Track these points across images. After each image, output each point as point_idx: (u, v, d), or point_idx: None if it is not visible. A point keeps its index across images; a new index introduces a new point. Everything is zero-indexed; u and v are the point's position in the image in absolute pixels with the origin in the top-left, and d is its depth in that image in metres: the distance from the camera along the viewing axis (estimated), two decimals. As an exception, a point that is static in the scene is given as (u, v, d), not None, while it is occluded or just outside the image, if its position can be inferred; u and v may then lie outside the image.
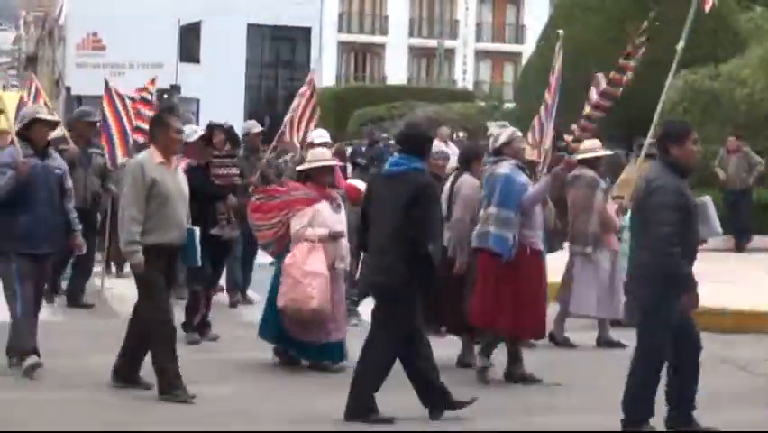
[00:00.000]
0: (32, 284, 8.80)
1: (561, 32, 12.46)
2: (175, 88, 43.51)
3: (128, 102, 13.36)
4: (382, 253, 7.74)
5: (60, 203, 9.00)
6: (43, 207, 8.80)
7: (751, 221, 18.91)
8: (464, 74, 57.66)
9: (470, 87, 54.42)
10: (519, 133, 9.79)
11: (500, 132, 9.88)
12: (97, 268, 12.99)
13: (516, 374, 9.08)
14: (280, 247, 9.53)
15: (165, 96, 39.44)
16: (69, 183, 9.24)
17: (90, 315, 11.84)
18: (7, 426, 7.33)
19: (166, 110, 13.23)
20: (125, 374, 8.42)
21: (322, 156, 9.71)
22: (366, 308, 11.06)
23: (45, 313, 11.98)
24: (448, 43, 54.22)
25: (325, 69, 57.47)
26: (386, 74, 58.16)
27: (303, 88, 12.93)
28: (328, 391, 8.37)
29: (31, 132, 8.97)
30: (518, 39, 58.41)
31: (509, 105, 39.28)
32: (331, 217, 9.36)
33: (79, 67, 54.47)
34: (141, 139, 12.45)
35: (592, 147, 11.24)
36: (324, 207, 9.34)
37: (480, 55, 59.18)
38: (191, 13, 52.84)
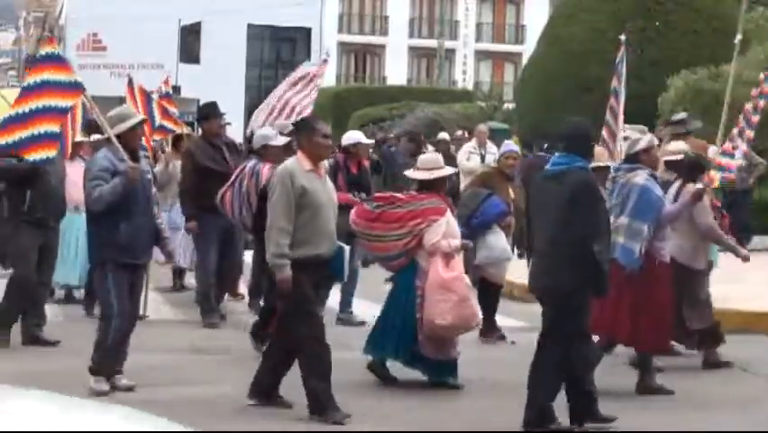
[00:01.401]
0: (128, 297, 8.41)
1: (623, 37, 12.41)
2: (175, 89, 43.52)
3: (154, 98, 13.33)
4: (547, 256, 7.58)
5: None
6: (142, 215, 8.41)
7: (750, 221, 18.92)
8: (464, 74, 57.67)
9: (471, 87, 54.42)
10: (656, 141, 9.44)
11: (639, 136, 9.22)
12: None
13: (642, 387, 8.73)
14: (408, 260, 8.88)
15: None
16: (154, 188, 8.98)
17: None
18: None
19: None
20: (266, 392, 8.05)
21: (437, 163, 9.17)
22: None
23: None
24: (448, 44, 54.23)
25: (326, 70, 57.47)
26: (386, 74, 58.16)
27: (313, 70, 13.02)
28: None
29: (125, 133, 8.48)
30: (518, 39, 58.40)
31: (509, 106, 39.30)
32: (456, 228, 9.00)
33: (80, 68, 54.41)
34: (158, 138, 12.38)
35: (679, 150, 10.64)
36: (450, 216, 8.94)
37: (481, 55, 59.18)
38: (191, 13, 52.88)
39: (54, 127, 8.78)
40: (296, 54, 58.52)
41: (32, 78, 8.87)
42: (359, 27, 59.33)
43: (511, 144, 11.63)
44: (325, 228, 7.79)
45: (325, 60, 15.61)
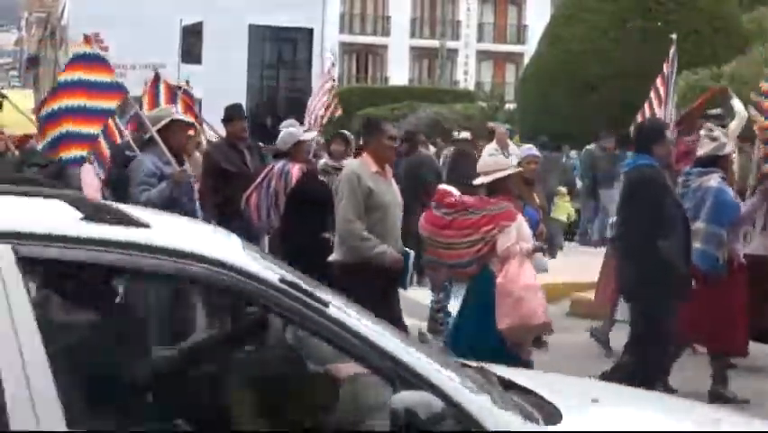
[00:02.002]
0: None
1: (674, 36, 12.48)
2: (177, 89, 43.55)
3: (179, 94, 13.29)
4: (620, 256, 7.63)
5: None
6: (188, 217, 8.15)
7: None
8: (466, 74, 57.66)
9: (472, 87, 54.43)
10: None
11: (725, 141, 8.96)
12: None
13: (714, 394, 8.63)
14: (480, 267, 8.57)
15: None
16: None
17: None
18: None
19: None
20: None
21: (497, 165, 8.77)
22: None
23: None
24: (450, 44, 54.20)
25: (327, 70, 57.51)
26: (388, 75, 58.16)
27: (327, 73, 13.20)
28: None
29: (168, 134, 8.25)
30: (520, 39, 58.38)
31: (511, 106, 39.29)
32: (528, 231, 8.77)
33: (81, 67, 54.56)
34: None
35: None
36: (521, 219, 8.68)
37: (482, 55, 59.17)
38: (193, 13, 52.87)
39: (90, 129, 8.60)
40: (297, 55, 58.55)
41: (67, 77, 8.67)
42: (360, 27, 59.32)
43: (532, 148, 11.31)
44: (393, 230, 7.67)
45: (333, 64, 15.92)
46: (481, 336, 8.39)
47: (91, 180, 11.01)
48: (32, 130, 15.64)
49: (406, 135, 15.07)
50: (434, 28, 57.38)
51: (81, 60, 8.64)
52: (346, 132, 11.90)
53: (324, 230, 9.17)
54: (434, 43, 54.32)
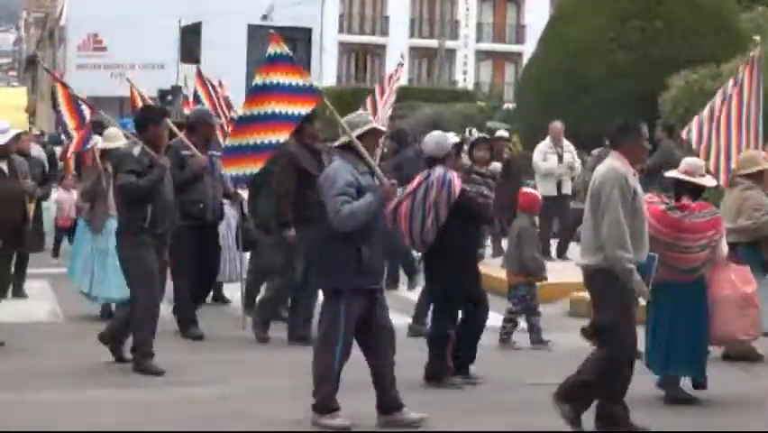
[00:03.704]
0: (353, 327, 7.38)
1: (757, 37, 12.04)
2: (177, 89, 43.48)
3: (219, 91, 13.23)
4: None
5: None
6: (379, 234, 7.53)
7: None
8: (465, 74, 57.64)
9: (471, 87, 54.41)
10: None
11: None
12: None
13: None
14: (706, 271, 8.41)
15: (168, 97, 39.43)
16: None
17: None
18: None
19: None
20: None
21: (702, 169, 8.66)
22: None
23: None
24: (449, 44, 54.18)
25: (326, 70, 57.48)
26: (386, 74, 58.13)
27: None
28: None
29: (363, 142, 7.52)
30: (519, 39, 58.36)
31: (510, 106, 39.29)
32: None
33: (80, 68, 54.49)
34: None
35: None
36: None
37: (481, 55, 59.16)
38: (192, 13, 52.82)
39: (277, 136, 8.03)
40: (296, 54, 58.47)
41: (263, 79, 8.04)
42: (359, 27, 59.29)
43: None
44: (645, 234, 7.40)
45: (401, 64, 15.82)
46: (699, 343, 8.31)
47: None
48: (25, 129, 15.55)
49: (391, 133, 14.88)
50: (433, 28, 57.37)
51: (278, 62, 8.02)
52: (487, 135, 11.21)
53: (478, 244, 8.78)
54: (433, 43, 54.30)
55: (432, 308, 9.12)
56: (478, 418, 7.92)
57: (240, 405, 8.07)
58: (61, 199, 16.34)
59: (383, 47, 58.83)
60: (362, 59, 59.52)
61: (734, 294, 8.50)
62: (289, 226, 10.29)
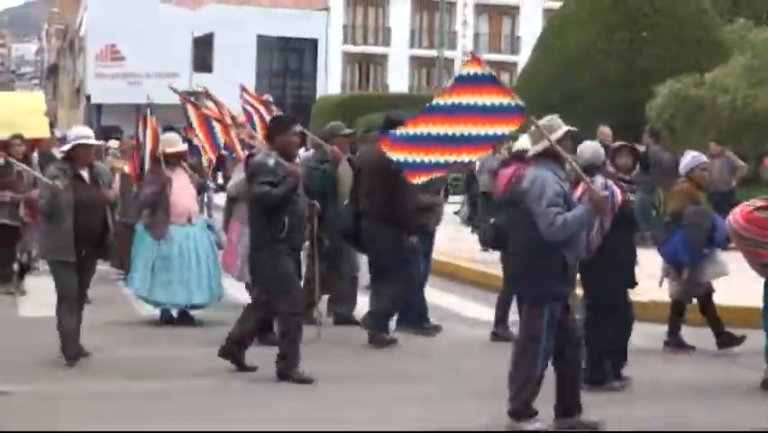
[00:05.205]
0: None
1: None
2: (193, 95, 43.49)
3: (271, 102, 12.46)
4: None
5: None
6: (580, 243, 7.28)
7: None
8: (462, 83, 57.62)
9: (468, 94, 54.34)
10: None
11: None
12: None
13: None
14: None
15: (192, 98, 39.35)
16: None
17: (112, 313, 11.57)
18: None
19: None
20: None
21: None
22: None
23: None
24: (447, 53, 54.12)
25: (331, 79, 57.55)
26: (388, 83, 58.16)
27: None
28: (342, 395, 8.27)
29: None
30: (513, 49, 58.41)
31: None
32: None
33: (99, 76, 54.55)
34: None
35: None
36: None
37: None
38: (204, 25, 52.92)
39: (466, 156, 7.24)
40: (303, 64, 58.59)
41: (452, 100, 7.27)
42: (362, 38, 59.32)
43: (701, 155, 10.36)
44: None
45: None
46: None
47: (186, 187, 10.73)
48: (46, 133, 15.32)
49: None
50: (432, 38, 57.36)
51: (478, 82, 7.27)
52: (637, 145, 10.28)
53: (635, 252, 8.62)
54: (432, 53, 54.25)
55: (590, 316, 8.45)
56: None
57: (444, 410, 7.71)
58: None
59: (385, 56, 58.88)
60: (365, 68, 59.55)
61: None
62: (416, 233, 10.22)
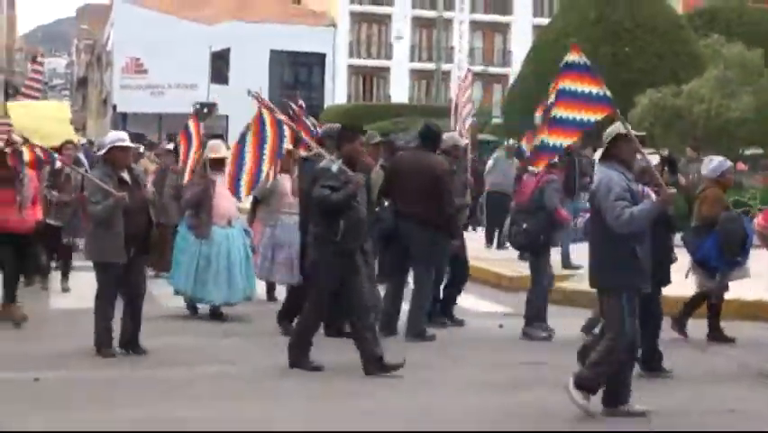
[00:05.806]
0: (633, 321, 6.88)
1: None
2: (209, 106, 43.51)
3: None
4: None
5: None
6: (647, 237, 7.06)
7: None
8: (458, 93, 57.54)
9: (464, 104, 54.26)
10: None
11: None
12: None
13: None
14: None
15: (205, 109, 39.34)
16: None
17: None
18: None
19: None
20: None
21: None
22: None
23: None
24: (444, 66, 54.16)
25: (337, 90, 57.55)
26: (390, 93, 58.14)
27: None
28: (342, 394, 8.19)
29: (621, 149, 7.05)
30: (505, 63, 58.39)
31: (497, 121, 39.27)
32: None
33: (124, 88, 54.53)
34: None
35: None
36: None
37: (473, 77, 59.06)
38: (221, 40, 52.98)
39: (565, 140, 7.06)
40: (312, 76, 58.57)
41: (565, 85, 7.14)
42: (366, 52, 59.30)
43: (726, 161, 10.00)
44: None
45: (469, 70, 14.94)
46: None
47: (226, 191, 10.10)
48: (72, 139, 14.97)
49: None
50: (431, 53, 57.32)
51: (577, 70, 7.21)
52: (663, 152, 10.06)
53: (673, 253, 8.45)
54: (431, 66, 54.25)
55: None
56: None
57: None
58: None
59: (387, 69, 58.85)
60: (369, 80, 59.52)
61: None
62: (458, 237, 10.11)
